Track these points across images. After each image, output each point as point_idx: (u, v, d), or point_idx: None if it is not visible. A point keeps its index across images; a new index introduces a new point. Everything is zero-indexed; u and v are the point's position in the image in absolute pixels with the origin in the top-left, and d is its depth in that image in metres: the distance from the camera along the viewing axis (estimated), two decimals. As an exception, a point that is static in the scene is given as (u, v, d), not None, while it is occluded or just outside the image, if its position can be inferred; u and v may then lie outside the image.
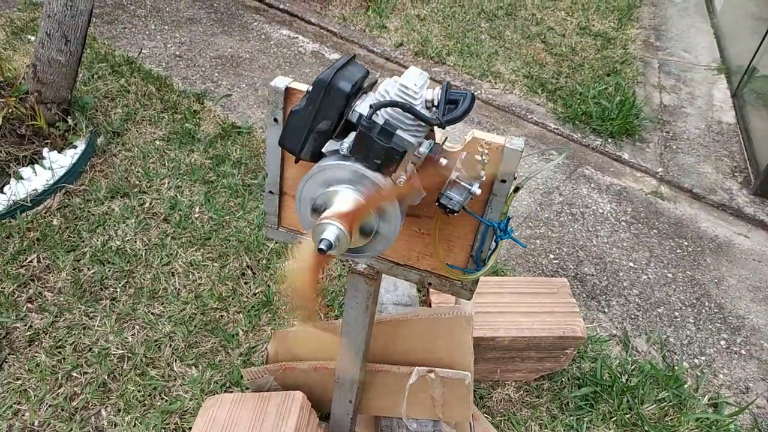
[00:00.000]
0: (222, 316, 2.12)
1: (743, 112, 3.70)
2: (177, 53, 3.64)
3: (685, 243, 2.75)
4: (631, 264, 2.59)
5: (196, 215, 2.49)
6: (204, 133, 2.93)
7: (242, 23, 4.08)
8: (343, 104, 0.92)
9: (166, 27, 3.90)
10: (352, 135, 0.91)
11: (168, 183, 2.62)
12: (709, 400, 2.05)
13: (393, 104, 0.87)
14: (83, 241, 2.31)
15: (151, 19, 3.95)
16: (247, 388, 1.83)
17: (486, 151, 1.00)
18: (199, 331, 2.05)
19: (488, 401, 1.96)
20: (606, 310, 2.36)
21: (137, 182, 2.61)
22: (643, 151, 3.34)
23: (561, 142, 3.37)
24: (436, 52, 3.91)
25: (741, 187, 3.14)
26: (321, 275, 1.10)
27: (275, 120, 1.10)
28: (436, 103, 0.92)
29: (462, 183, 0.96)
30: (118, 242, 2.32)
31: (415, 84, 0.89)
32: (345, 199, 0.88)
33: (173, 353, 1.98)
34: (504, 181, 1.04)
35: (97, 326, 2.03)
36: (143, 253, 2.29)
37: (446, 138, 1.03)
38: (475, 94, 3.64)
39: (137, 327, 2.05)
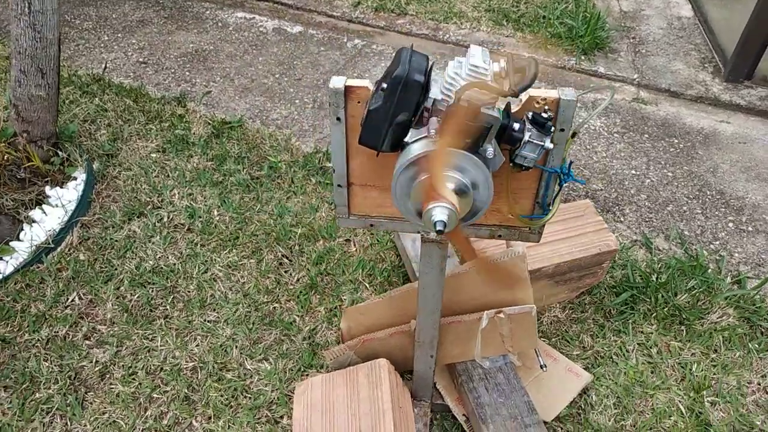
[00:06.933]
0: (275, 308, 2.20)
1: (698, 3, 3.82)
2: (140, 60, 3.54)
3: (676, 141, 2.91)
4: (633, 171, 2.74)
5: (217, 218, 2.52)
6: (196, 136, 2.92)
7: (195, 14, 3.96)
8: (420, 94, 0.98)
9: (119, 35, 3.77)
10: (434, 120, 0.98)
11: (179, 193, 2.63)
12: (732, 279, 2.24)
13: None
14: (116, 269, 2.33)
15: (101, 30, 3.80)
16: (321, 367, 1.95)
17: (546, 107, 1.08)
18: (259, 327, 2.13)
19: (540, 326, 2.11)
20: (622, 219, 2.52)
21: (148, 199, 2.61)
22: (616, 61, 3.45)
23: (541, 70, 3.44)
24: (395, 5, 3.89)
25: (713, 77, 3.30)
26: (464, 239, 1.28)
27: (338, 119, 1.16)
28: (503, 75, 0.99)
29: (534, 141, 1.04)
30: (151, 262, 2.35)
31: (483, 61, 0.96)
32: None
33: (241, 353, 2.06)
34: (563, 130, 1.13)
35: (160, 346, 2.09)
36: (179, 267, 2.33)
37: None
38: (444, 38, 3.66)
39: (198, 337, 2.12)
